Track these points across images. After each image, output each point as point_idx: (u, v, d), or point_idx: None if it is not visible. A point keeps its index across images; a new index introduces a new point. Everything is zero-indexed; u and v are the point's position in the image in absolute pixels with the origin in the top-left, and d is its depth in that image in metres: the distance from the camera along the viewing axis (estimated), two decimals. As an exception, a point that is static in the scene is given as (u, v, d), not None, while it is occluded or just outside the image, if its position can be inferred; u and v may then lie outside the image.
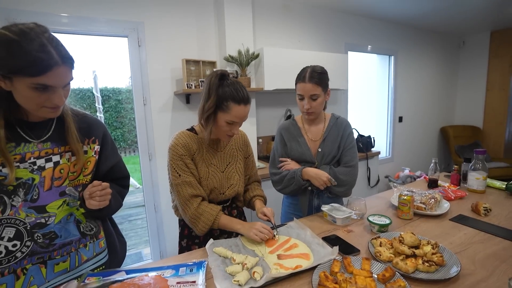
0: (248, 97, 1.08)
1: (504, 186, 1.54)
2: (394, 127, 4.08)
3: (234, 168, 1.21)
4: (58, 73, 0.73)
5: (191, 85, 2.18)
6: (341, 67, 2.91)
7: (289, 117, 1.55)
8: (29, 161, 0.82)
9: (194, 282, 0.85)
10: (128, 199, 4.06)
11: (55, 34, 0.77)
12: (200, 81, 2.24)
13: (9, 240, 0.79)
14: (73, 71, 0.79)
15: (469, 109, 4.78)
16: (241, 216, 1.30)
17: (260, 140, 2.73)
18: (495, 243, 1.02)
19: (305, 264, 0.89)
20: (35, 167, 0.83)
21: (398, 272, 0.82)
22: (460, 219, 1.22)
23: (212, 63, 2.34)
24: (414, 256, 0.91)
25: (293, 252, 0.99)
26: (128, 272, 0.92)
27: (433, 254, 0.89)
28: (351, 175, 1.36)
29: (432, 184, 1.65)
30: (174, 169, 1.11)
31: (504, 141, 4.39)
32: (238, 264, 0.90)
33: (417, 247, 0.95)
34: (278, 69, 2.45)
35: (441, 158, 4.90)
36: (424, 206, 1.28)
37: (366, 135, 2.99)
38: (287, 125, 1.46)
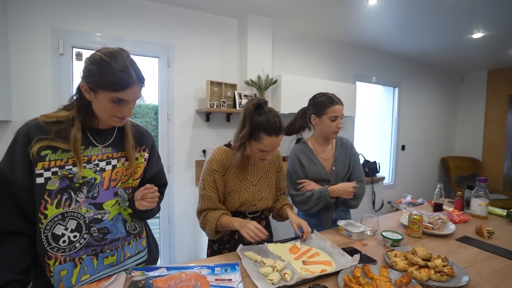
0: (280, 128, 1.15)
1: (505, 213, 1.65)
2: (397, 155, 4.23)
3: (266, 182, 1.32)
4: (133, 91, 0.88)
5: (213, 104, 2.35)
6: (350, 96, 3.11)
7: (298, 140, 1.68)
8: (93, 163, 0.94)
9: (230, 280, 0.94)
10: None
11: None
12: (222, 101, 2.42)
13: (71, 231, 0.90)
14: (142, 88, 0.94)
15: (469, 142, 4.96)
16: (269, 227, 1.40)
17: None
18: (499, 261, 1.12)
19: (329, 269, 0.99)
20: (98, 168, 0.95)
21: (413, 280, 0.92)
22: (466, 240, 1.32)
23: (233, 86, 2.53)
24: (427, 267, 1.01)
25: (316, 259, 1.08)
26: (168, 268, 1.01)
27: (443, 266, 0.99)
28: (362, 189, 1.52)
29: (437, 208, 1.76)
30: (203, 180, 1.24)
31: (503, 174, 4.53)
32: (269, 266, 1.00)
33: (428, 260, 1.05)
34: (293, 95, 2.63)
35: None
36: (431, 226, 1.39)
37: (371, 160, 3.12)
38: (301, 148, 1.57)
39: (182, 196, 2.53)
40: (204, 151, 2.58)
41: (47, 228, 0.86)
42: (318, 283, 0.91)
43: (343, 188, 1.44)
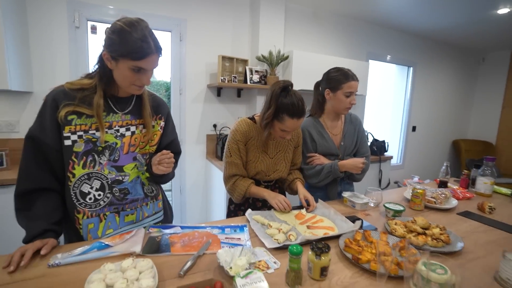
0: (303, 111, 1.21)
1: (510, 192, 1.67)
2: (407, 136, 4.19)
3: (282, 156, 1.41)
4: (152, 60, 0.93)
5: (225, 79, 2.38)
6: (362, 74, 3.06)
7: (310, 114, 1.69)
8: (114, 129, 1.02)
9: (239, 239, 1.03)
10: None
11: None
12: (233, 76, 2.44)
13: (96, 190, 0.99)
14: (160, 58, 0.98)
15: (484, 125, 4.84)
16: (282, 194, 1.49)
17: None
18: (496, 234, 1.17)
19: (331, 233, 1.06)
20: (118, 134, 1.03)
21: (410, 244, 0.98)
22: (466, 214, 1.37)
23: (245, 61, 2.54)
24: (425, 234, 1.07)
25: (320, 225, 1.16)
26: (182, 227, 1.11)
27: (440, 234, 1.05)
28: (367, 164, 1.57)
29: (442, 185, 1.80)
30: (229, 149, 1.34)
31: (517, 159, 4.45)
32: (275, 229, 1.08)
33: (427, 229, 1.11)
34: (305, 71, 2.62)
35: (452, 170, 4.97)
36: (434, 200, 1.43)
37: (380, 139, 3.13)
38: (313, 123, 1.59)
39: (193, 168, 2.64)
40: (215, 126, 2.65)
41: (75, 186, 0.95)
42: (320, 243, 0.98)
43: (353, 163, 1.48)
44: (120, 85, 0.98)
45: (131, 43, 0.87)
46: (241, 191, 1.33)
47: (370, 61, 3.56)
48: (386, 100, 4.30)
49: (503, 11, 2.87)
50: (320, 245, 0.78)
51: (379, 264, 0.79)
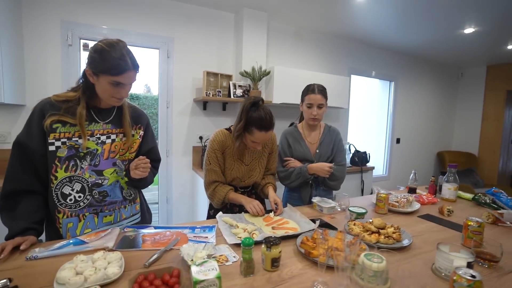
0: (271, 124, 1.33)
1: (471, 197, 1.78)
2: (392, 147, 4.33)
3: (257, 163, 1.53)
4: (129, 75, 1.05)
5: (209, 93, 2.52)
6: (343, 88, 3.23)
7: (291, 124, 1.86)
8: (96, 136, 1.12)
9: (206, 237, 1.12)
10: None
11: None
12: (217, 90, 2.58)
13: (77, 192, 1.09)
14: (137, 74, 1.11)
15: (466, 137, 5.02)
16: (259, 200, 1.55)
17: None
18: (447, 233, 1.27)
19: (291, 232, 1.16)
20: (99, 141, 1.13)
21: (363, 241, 1.08)
22: (426, 217, 1.47)
23: (229, 76, 2.69)
24: (378, 233, 1.16)
25: (285, 226, 1.25)
26: (156, 227, 1.20)
27: (393, 233, 1.14)
28: (342, 172, 1.69)
29: (411, 191, 1.91)
30: (208, 158, 1.46)
31: (498, 169, 4.60)
32: (241, 229, 1.17)
33: (382, 228, 1.20)
34: (286, 86, 2.78)
35: (437, 181, 5.09)
36: (397, 204, 1.54)
37: (362, 150, 3.26)
38: (291, 131, 1.78)
39: (180, 179, 2.73)
40: (200, 138, 2.76)
41: (57, 187, 1.05)
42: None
43: (320, 166, 1.62)
44: (101, 97, 1.10)
45: (110, 61, 1.00)
46: (221, 197, 1.43)
47: (353, 76, 3.74)
48: (371, 113, 4.47)
49: (468, 30, 3.09)
50: (271, 239, 0.88)
51: (326, 257, 0.89)
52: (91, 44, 2.30)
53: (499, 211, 1.43)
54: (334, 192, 1.78)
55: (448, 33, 3.21)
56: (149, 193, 5.11)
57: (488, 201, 1.67)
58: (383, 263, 0.80)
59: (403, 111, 4.39)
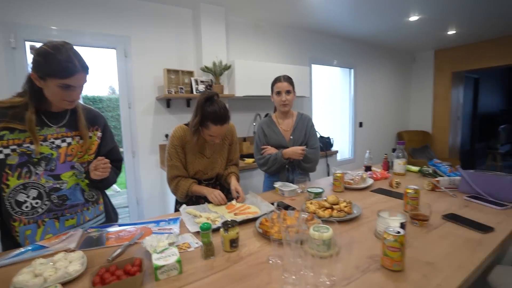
0: (226, 118, 1.36)
1: (417, 169, 1.99)
2: (355, 131, 4.59)
3: (218, 155, 1.57)
4: (78, 78, 1.05)
5: (172, 91, 2.51)
6: (304, 78, 3.36)
7: (266, 115, 1.98)
8: (49, 141, 1.11)
9: (171, 229, 1.16)
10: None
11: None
12: (179, 87, 2.58)
13: (33, 198, 1.08)
14: (87, 76, 1.10)
15: (421, 116, 5.44)
16: (223, 190, 1.60)
17: (234, 141, 3.08)
18: (393, 202, 1.42)
19: (251, 216, 1.23)
20: (54, 145, 1.12)
21: (317, 218, 1.18)
22: (377, 191, 1.62)
23: (190, 73, 2.69)
24: (332, 208, 1.28)
25: (246, 211, 1.33)
26: (120, 225, 1.22)
27: (345, 207, 1.26)
28: (315, 154, 1.83)
29: (367, 169, 2.07)
30: (168, 154, 1.49)
31: (448, 144, 5.05)
32: (204, 218, 1.22)
33: (336, 204, 1.32)
34: (248, 79, 2.84)
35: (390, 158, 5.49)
36: (352, 181, 1.68)
37: (326, 136, 3.43)
38: (266, 121, 1.90)
39: (148, 178, 2.71)
40: (167, 136, 2.75)
41: (10, 196, 1.03)
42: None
43: (293, 150, 1.75)
44: (51, 101, 1.08)
45: (57, 64, 0.99)
46: (184, 190, 1.48)
47: (313, 65, 3.89)
48: (334, 100, 4.68)
49: (413, 18, 3.35)
50: (228, 222, 0.95)
51: (284, 234, 0.97)
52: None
53: (436, 179, 1.61)
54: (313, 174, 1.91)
55: (396, 21, 3.45)
56: (120, 197, 4.98)
57: (430, 171, 1.87)
58: (329, 232, 0.90)
59: (364, 96, 4.65)
